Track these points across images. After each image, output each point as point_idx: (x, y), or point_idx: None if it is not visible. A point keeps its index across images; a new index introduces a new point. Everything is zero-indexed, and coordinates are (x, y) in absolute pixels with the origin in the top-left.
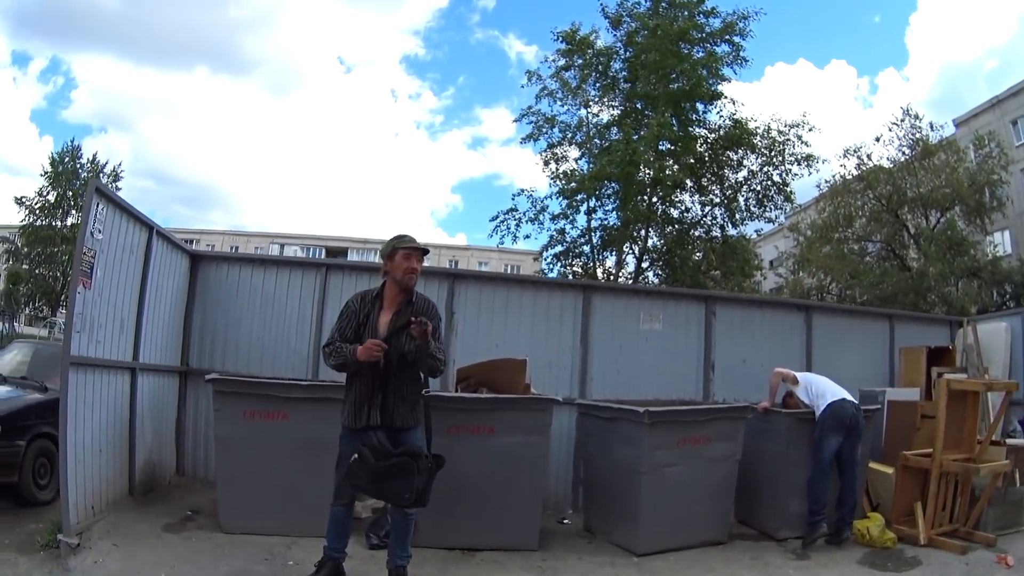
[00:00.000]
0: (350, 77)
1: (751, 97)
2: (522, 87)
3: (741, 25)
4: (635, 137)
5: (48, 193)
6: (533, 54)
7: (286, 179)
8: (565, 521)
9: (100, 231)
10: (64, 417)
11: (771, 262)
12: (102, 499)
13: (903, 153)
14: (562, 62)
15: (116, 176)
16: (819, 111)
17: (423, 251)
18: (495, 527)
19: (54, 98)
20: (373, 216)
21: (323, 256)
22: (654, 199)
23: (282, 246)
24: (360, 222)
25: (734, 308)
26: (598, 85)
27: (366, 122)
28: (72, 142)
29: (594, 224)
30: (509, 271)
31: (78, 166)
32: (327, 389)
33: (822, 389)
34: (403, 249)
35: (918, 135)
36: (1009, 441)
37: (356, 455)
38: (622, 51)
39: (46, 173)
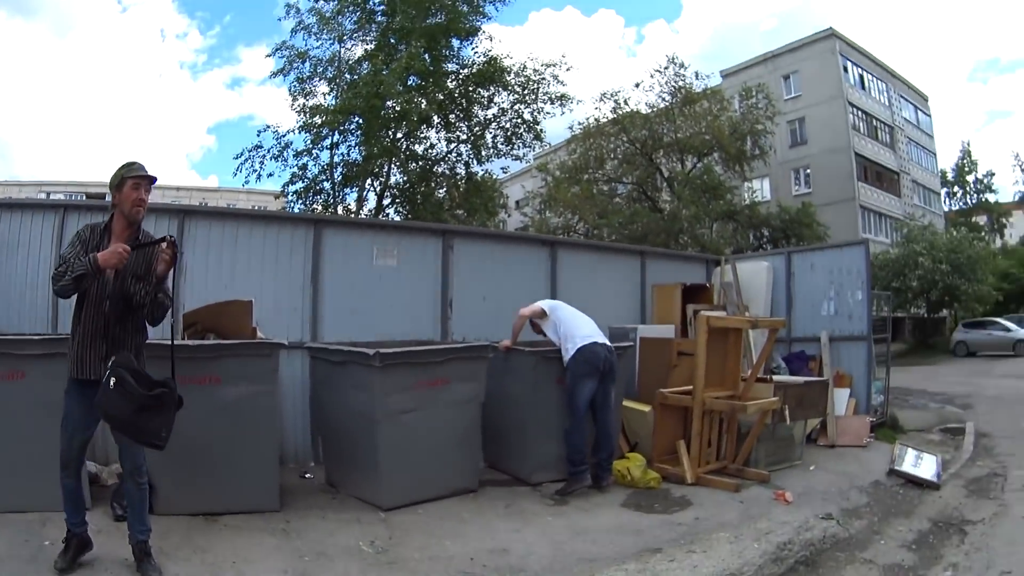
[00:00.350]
0: (124, 17)
1: (513, 41)
2: (279, 20)
3: None
4: (384, 71)
5: None
6: None
7: (61, 125)
8: (307, 476)
9: None
10: None
11: (517, 202)
12: None
13: (663, 100)
14: None
15: None
16: (582, 58)
17: (151, 180)
18: (233, 488)
19: None
20: (131, 156)
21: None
22: (398, 134)
23: (48, 194)
24: (116, 162)
25: (474, 243)
26: (355, 19)
27: (134, 63)
28: None
29: (336, 160)
30: None
31: None
32: (68, 343)
33: (571, 329)
34: (131, 178)
35: (681, 83)
36: (777, 378)
37: (114, 379)
38: None
39: None
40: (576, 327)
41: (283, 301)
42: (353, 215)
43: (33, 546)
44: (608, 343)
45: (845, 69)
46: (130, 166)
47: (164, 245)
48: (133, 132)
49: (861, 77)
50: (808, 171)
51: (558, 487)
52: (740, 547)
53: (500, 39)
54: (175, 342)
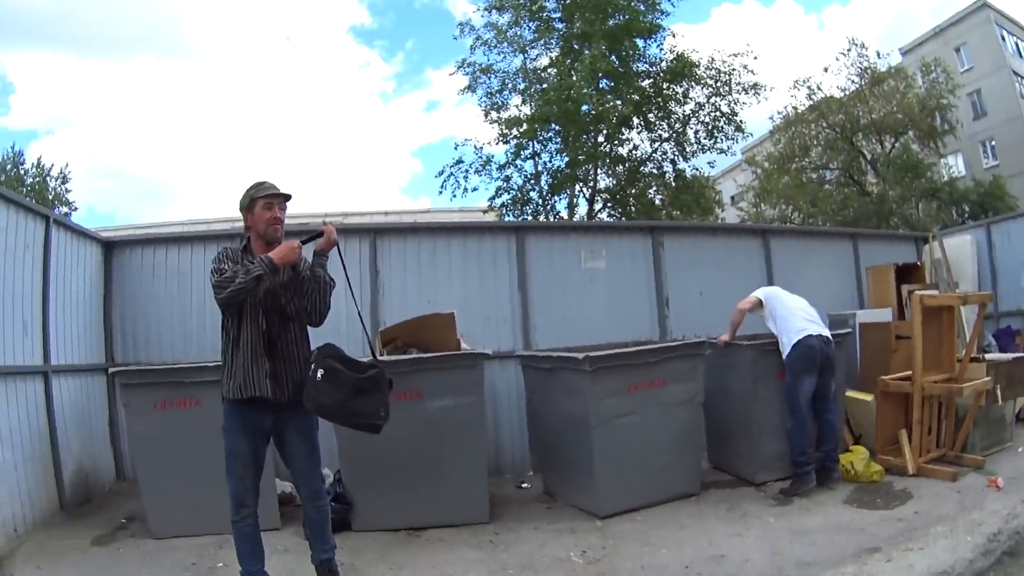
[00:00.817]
0: (298, 52)
1: (700, 38)
2: (455, 39)
3: None
4: (572, 76)
5: None
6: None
7: (243, 163)
8: (524, 485)
9: None
10: None
11: (732, 198)
12: (25, 519)
13: (852, 82)
14: (495, 2)
15: (64, 178)
16: (768, 48)
17: (285, 197)
18: (439, 502)
19: None
20: (337, 190)
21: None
22: (599, 138)
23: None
24: (324, 197)
25: (684, 237)
26: (533, 27)
27: (318, 96)
28: (13, 148)
29: (540, 169)
30: None
31: (22, 172)
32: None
33: (785, 322)
34: (262, 198)
35: (866, 64)
36: (988, 357)
37: (321, 370)
38: None
39: None
40: (791, 319)
41: (491, 311)
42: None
43: (201, 568)
44: (824, 333)
45: (1002, 39)
46: (259, 186)
47: (324, 225)
48: (329, 162)
49: (1017, 45)
50: (993, 143)
51: (782, 486)
52: (954, 542)
53: (684, 35)
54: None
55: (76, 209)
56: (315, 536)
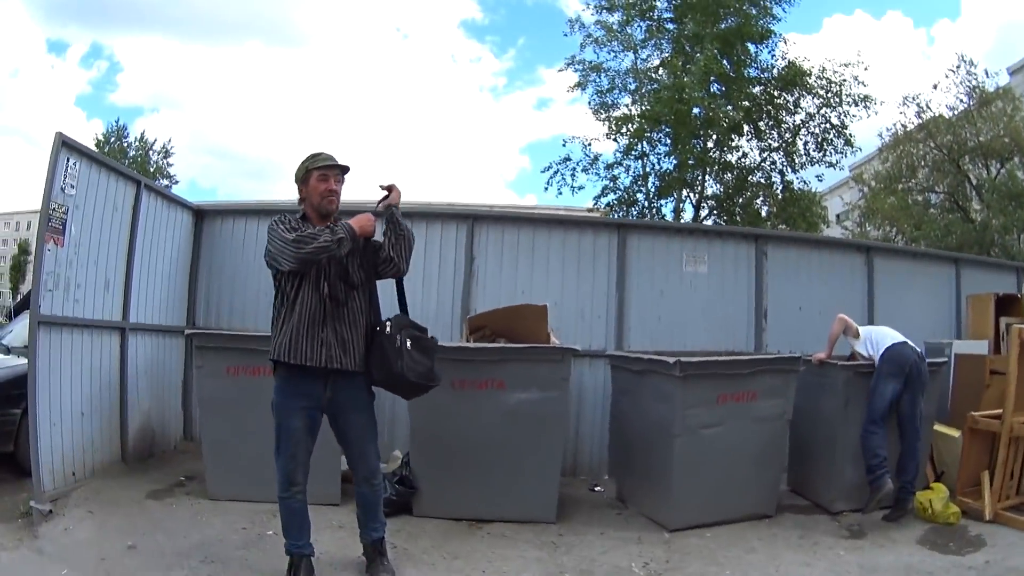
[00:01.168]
0: (407, 44)
1: (811, 48)
2: (564, 35)
3: None
4: (684, 76)
5: None
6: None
7: (350, 147)
8: (597, 488)
9: (73, 186)
10: (33, 378)
11: (837, 216)
12: (85, 465)
13: (961, 101)
14: (605, 4)
15: (166, 153)
16: (878, 62)
17: (342, 169)
18: (507, 495)
19: (99, 83)
20: (442, 181)
21: None
22: (709, 144)
23: None
24: (428, 187)
25: (788, 248)
26: (644, 27)
27: (427, 88)
28: (117, 122)
29: (648, 170)
30: None
31: (125, 145)
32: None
33: (882, 338)
34: (317, 170)
35: (974, 83)
36: None
37: (410, 340)
38: None
39: None
40: (888, 334)
41: (587, 308)
42: None
43: (251, 534)
44: (919, 349)
45: None
46: (315, 157)
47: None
48: (437, 154)
49: None
50: None
51: (859, 517)
52: None
53: (795, 43)
54: (456, 344)
55: (177, 182)
56: (367, 515)
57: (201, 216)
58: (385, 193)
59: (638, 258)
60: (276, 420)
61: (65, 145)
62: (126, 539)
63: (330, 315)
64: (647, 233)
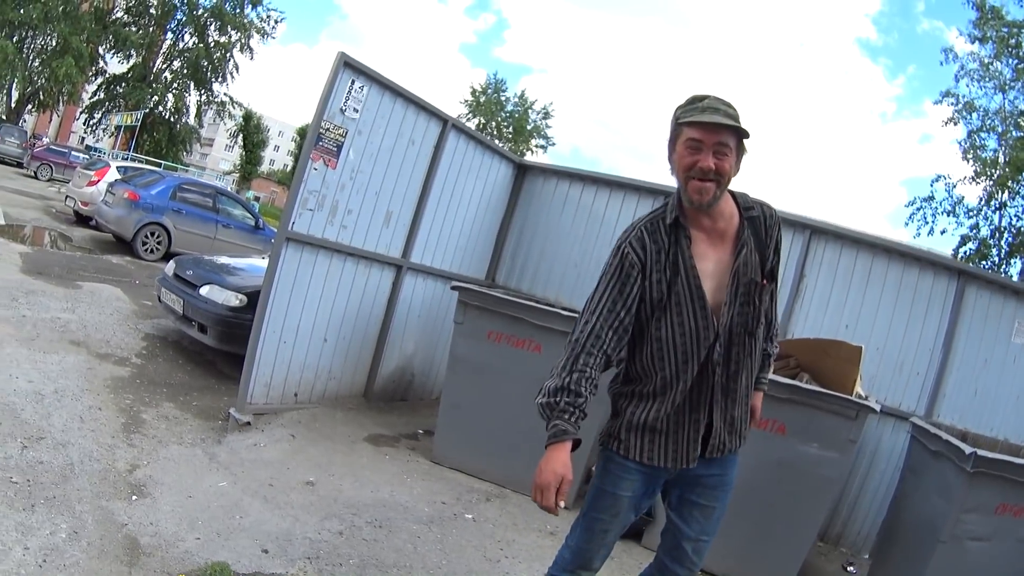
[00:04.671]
0: (802, 52)
1: None
2: (940, 64)
3: None
4: None
5: (468, 121)
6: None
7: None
8: (851, 568)
9: (356, 110)
10: (267, 291)
11: None
12: (314, 389)
13: None
14: (976, 34)
15: (546, 114)
16: None
17: (730, 130)
18: (745, 548)
19: (486, 35)
20: (815, 197)
21: None
22: None
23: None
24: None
25: None
26: (1014, 65)
27: (816, 98)
28: (495, 75)
29: (1004, 223)
30: None
31: (502, 99)
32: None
33: None
34: (688, 125)
35: None
36: None
37: None
38: None
39: (466, 102)
40: None
41: (907, 361)
42: None
43: (446, 512)
44: None
45: None
46: (690, 104)
47: None
48: (814, 168)
49: None
50: None
51: None
52: None
53: None
54: None
55: (554, 144)
56: None
57: (523, 171)
58: None
59: (971, 316)
60: (594, 501)
61: (348, 66)
62: (309, 474)
63: (720, 393)
64: (986, 288)
